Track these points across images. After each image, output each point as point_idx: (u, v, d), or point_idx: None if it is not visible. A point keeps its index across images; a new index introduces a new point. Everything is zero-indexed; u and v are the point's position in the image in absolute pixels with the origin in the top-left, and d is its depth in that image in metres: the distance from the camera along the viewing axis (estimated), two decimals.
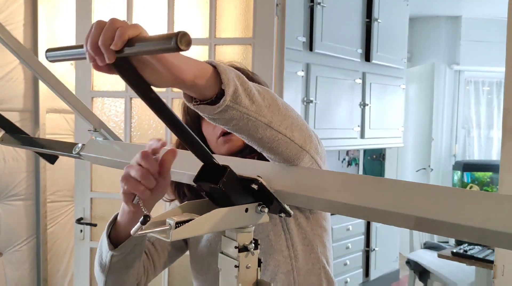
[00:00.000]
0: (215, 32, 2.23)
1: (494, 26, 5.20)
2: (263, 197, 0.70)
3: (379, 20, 3.72)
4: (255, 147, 0.77)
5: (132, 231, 0.64)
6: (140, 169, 0.80)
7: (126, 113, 2.32)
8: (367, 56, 3.72)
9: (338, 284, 1.21)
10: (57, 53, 0.64)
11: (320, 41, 3.27)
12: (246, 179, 0.69)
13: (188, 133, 0.65)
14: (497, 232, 0.48)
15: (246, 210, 0.69)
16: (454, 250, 3.16)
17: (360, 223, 3.88)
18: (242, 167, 0.73)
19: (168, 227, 0.64)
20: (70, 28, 2.44)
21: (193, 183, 0.72)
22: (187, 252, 1.25)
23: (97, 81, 2.34)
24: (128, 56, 0.57)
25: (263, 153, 0.80)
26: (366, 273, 4.03)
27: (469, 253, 3.08)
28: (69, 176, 2.60)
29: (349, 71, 3.62)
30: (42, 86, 2.56)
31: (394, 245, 4.36)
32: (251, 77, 1.18)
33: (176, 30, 2.60)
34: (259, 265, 0.71)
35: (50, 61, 0.65)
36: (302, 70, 3.22)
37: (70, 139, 2.63)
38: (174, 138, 1.31)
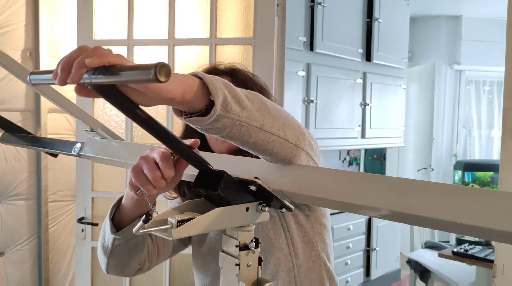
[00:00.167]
0: (216, 32, 2.24)
1: (495, 26, 5.20)
2: (262, 196, 0.71)
3: (379, 20, 3.72)
4: (251, 152, 0.77)
5: (134, 230, 0.65)
6: (154, 171, 0.75)
7: None
8: (367, 56, 3.72)
9: (339, 283, 1.21)
10: (39, 77, 0.64)
11: (320, 41, 3.27)
12: (244, 181, 0.70)
13: (181, 144, 0.68)
14: (497, 230, 0.48)
15: (247, 209, 0.70)
16: (455, 250, 3.16)
17: (360, 222, 3.88)
18: (240, 166, 0.74)
19: (169, 225, 0.65)
20: (71, 28, 2.44)
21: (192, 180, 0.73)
22: (190, 251, 1.26)
23: None
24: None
25: (259, 156, 0.79)
26: (367, 272, 4.03)
27: (469, 252, 3.08)
28: (70, 176, 2.61)
29: (350, 71, 3.62)
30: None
31: (395, 244, 4.36)
32: (251, 79, 1.19)
33: (176, 30, 2.58)
34: (259, 263, 0.72)
35: (33, 84, 0.65)
36: (303, 70, 3.22)
37: (72, 139, 2.63)
38: None
